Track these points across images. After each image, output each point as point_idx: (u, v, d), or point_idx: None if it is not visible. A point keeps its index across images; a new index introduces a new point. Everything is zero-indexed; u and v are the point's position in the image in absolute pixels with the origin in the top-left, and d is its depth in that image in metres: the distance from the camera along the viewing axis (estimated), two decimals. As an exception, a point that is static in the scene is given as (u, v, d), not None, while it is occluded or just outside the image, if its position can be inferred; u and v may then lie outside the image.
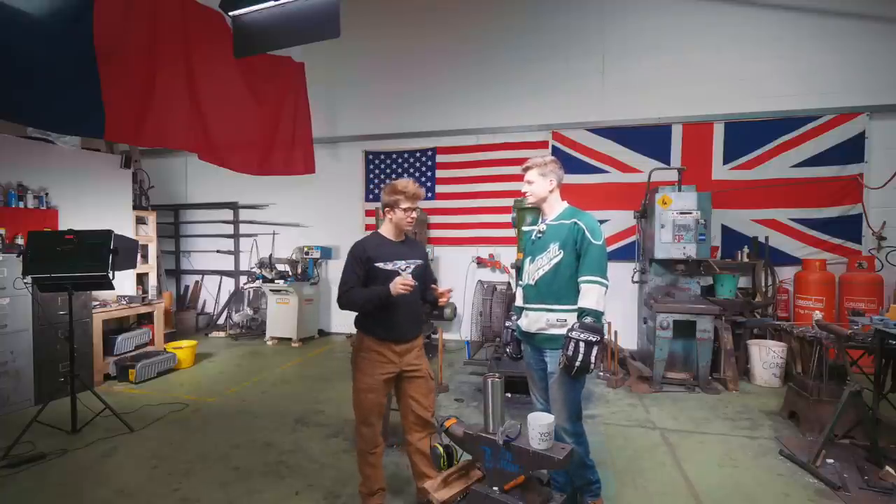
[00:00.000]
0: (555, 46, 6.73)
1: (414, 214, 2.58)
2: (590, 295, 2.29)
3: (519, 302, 2.73)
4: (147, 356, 5.33)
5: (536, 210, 2.68)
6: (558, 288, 2.41)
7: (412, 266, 2.56)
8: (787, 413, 4.03)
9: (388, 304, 2.42)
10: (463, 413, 4.16)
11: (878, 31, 5.73)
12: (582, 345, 2.16)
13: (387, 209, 2.57)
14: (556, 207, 2.56)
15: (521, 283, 2.72)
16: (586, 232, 2.36)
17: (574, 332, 2.20)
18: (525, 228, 2.74)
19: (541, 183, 2.52)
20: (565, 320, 2.36)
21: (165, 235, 8.34)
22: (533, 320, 2.50)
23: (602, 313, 2.30)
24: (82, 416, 3.85)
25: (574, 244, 2.38)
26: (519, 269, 2.77)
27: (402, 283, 2.36)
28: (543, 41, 6.77)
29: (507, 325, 2.79)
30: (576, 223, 2.41)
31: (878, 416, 3.28)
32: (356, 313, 2.57)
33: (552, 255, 2.43)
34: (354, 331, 2.61)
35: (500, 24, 6.92)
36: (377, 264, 2.48)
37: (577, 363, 2.16)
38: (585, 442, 2.51)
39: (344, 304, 2.49)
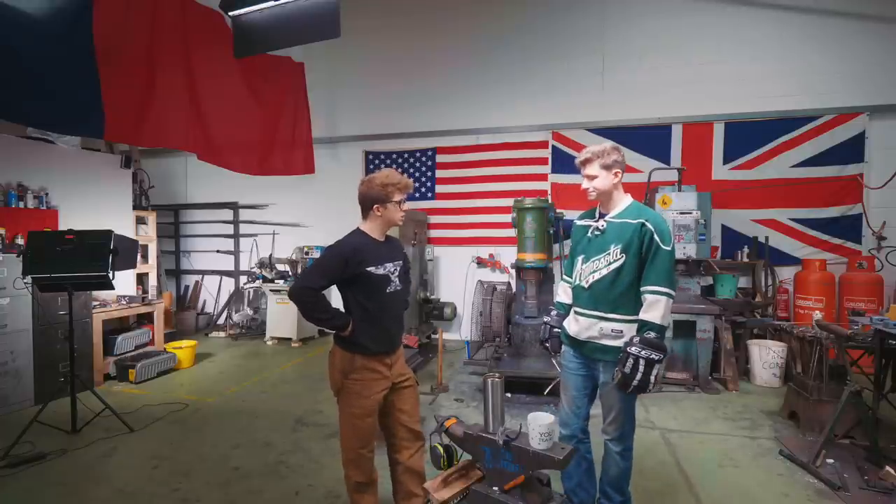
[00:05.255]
0: (555, 46, 6.72)
1: (406, 207, 2.34)
2: (655, 308, 2.05)
3: (563, 299, 2.48)
4: (147, 356, 5.32)
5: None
6: (616, 295, 2.15)
7: (398, 269, 2.34)
8: (787, 413, 4.03)
9: (378, 312, 2.25)
10: (463, 413, 4.15)
11: (878, 32, 5.73)
12: (642, 362, 1.95)
13: (376, 206, 2.25)
14: (619, 202, 2.24)
15: (567, 280, 2.44)
16: (655, 235, 2.09)
17: (634, 348, 1.98)
18: (579, 222, 2.42)
19: (605, 177, 2.20)
20: (621, 331, 2.14)
21: (165, 235, 8.33)
22: (584, 327, 2.25)
23: (666, 328, 2.07)
24: (82, 416, 3.85)
25: (640, 248, 2.11)
26: (568, 263, 2.47)
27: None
28: (544, 41, 6.77)
29: (545, 319, 2.54)
30: (644, 224, 2.12)
31: (878, 416, 3.28)
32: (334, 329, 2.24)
33: (612, 259, 2.15)
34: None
35: (501, 24, 6.91)
36: (369, 268, 2.20)
37: (635, 382, 1.96)
38: (630, 459, 2.29)
39: (305, 301, 2.16)
